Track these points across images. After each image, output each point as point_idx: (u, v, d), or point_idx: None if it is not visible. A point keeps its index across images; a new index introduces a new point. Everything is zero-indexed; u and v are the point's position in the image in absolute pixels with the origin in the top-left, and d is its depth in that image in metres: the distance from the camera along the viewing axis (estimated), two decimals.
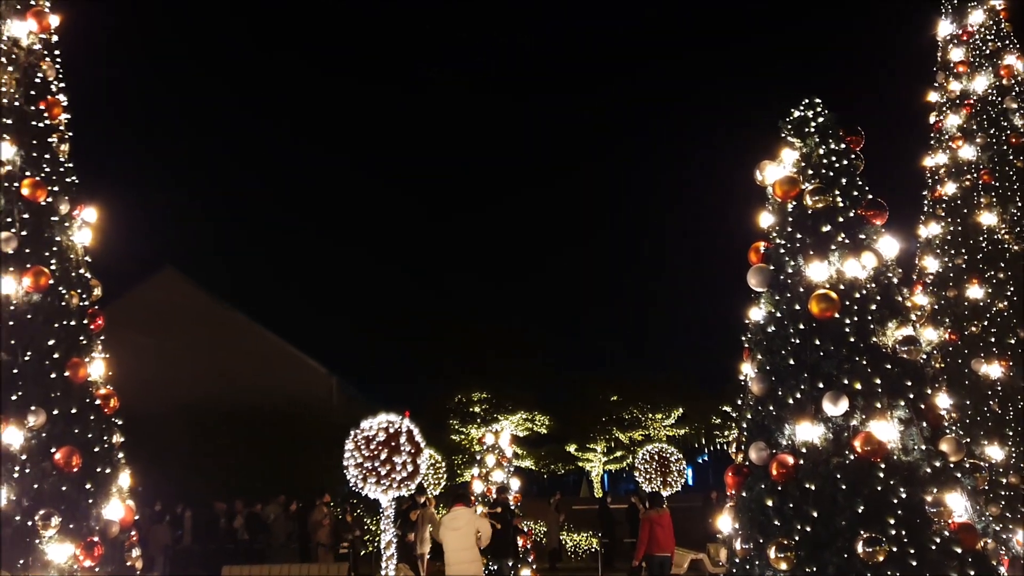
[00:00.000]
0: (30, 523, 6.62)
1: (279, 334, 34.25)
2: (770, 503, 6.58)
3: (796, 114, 7.83)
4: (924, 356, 6.96)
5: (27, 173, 7.60)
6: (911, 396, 6.63)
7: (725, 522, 7.25)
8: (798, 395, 6.79)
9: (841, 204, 7.33)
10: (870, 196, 7.43)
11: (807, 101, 7.83)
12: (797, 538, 6.29)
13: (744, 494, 6.97)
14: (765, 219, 7.82)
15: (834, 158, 7.54)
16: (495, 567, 14.22)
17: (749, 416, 7.26)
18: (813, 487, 6.39)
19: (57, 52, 8.37)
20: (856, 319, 6.86)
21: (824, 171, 7.49)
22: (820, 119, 7.72)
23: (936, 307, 11.83)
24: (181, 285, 33.61)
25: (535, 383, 43.75)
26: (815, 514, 6.28)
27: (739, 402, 7.69)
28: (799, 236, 7.33)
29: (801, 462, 6.55)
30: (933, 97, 13.09)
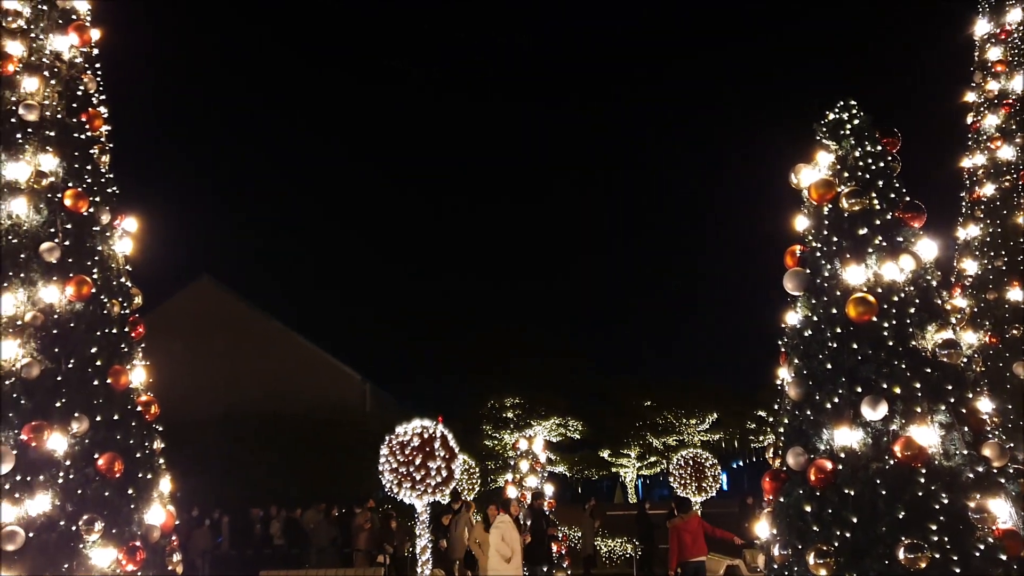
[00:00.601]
0: (74, 528, 6.73)
1: (313, 340, 34.54)
2: (808, 509, 6.53)
3: (831, 116, 7.76)
4: (964, 360, 6.86)
5: (69, 184, 7.75)
6: (952, 400, 6.54)
7: (763, 528, 7.20)
8: (836, 400, 6.73)
9: (878, 206, 7.27)
10: (907, 198, 7.35)
11: (842, 103, 7.77)
12: (837, 544, 6.23)
13: (782, 499, 6.91)
14: (801, 222, 7.77)
15: (870, 160, 7.47)
16: (529, 573, 14.21)
17: (786, 421, 7.20)
18: (852, 492, 6.33)
19: (98, 65, 8.54)
20: (894, 323, 6.79)
21: (860, 173, 7.42)
22: (856, 121, 7.66)
23: (976, 310, 11.65)
24: (218, 293, 34.04)
25: (568, 388, 43.69)
26: (855, 520, 6.22)
27: (776, 407, 7.64)
28: (835, 239, 7.27)
29: (840, 467, 6.49)
30: (970, 97, 12.90)
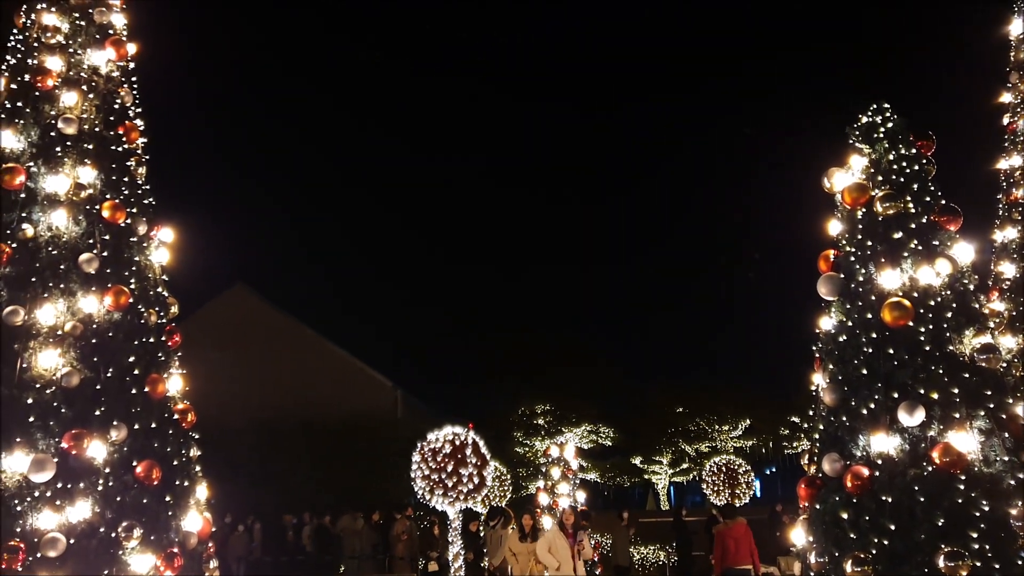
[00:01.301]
0: (113, 534, 6.83)
1: (344, 348, 34.74)
2: (845, 516, 6.46)
3: (864, 120, 7.70)
4: (1003, 364, 6.75)
5: (107, 196, 7.88)
6: (991, 406, 6.44)
7: (799, 535, 7.14)
8: (872, 405, 6.66)
9: (913, 210, 7.19)
10: (943, 201, 7.27)
11: (875, 106, 7.70)
12: (874, 552, 6.15)
13: (818, 506, 6.85)
14: (834, 227, 7.71)
15: (905, 163, 7.39)
16: None
17: (822, 427, 7.14)
18: (890, 499, 6.25)
19: (134, 78, 8.69)
20: (931, 327, 6.71)
21: (895, 177, 7.35)
22: (889, 124, 7.59)
23: (1014, 313, 11.47)
24: (251, 301, 34.35)
25: (599, 394, 43.53)
26: (893, 527, 6.14)
27: (810, 413, 7.57)
28: (870, 243, 7.20)
29: (877, 474, 6.42)
30: (1006, 98, 12.71)
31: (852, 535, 6.36)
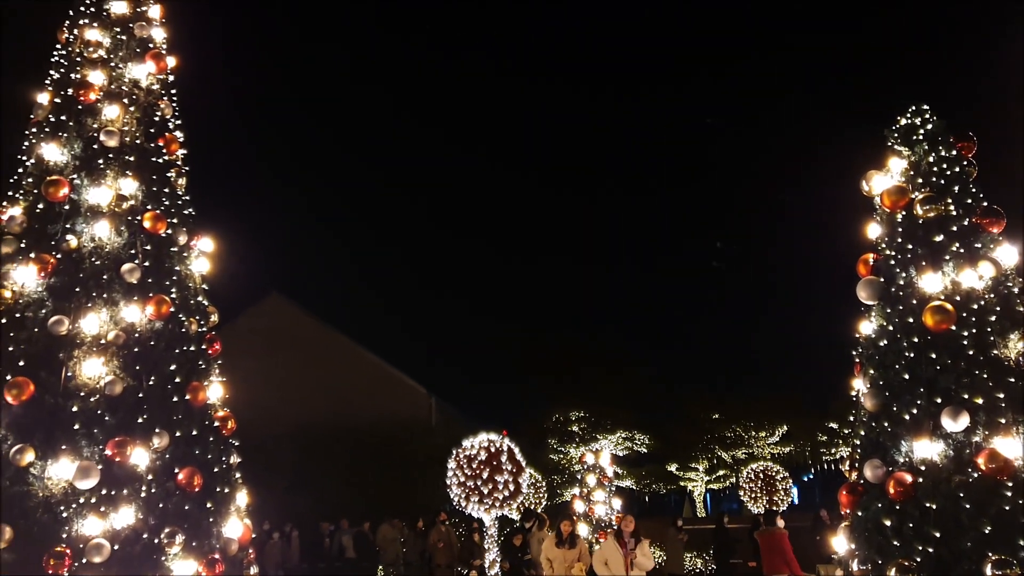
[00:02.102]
0: (156, 541, 6.91)
1: (379, 354, 34.92)
2: (888, 523, 6.37)
3: (903, 121, 7.62)
4: None
5: (148, 207, 8.01)
6: None
7: (840, 542, 7.05)
8: (914, 411, 6.57)
9: (954, 212, 7.09)
10: (985, 203, 7.16)
11: (914, 108, 7.62)
12: (919, 559, 6.06)
13: (860, 513, 6.76)
14: (873, 230, 7.62)
15: (945, 165, 7.30)
16: None
17: (863, 433, 7.05)
18: (934, 506, 6.16)
19: (174, 91, 8.83)
20: (974, 331, 6.60)
21: (935, 179, 7.26)
22: (929, 126, 7.50)
23: None
24: (288, 310, 34.69)
25: (634, 401, 43.30)
26: (937, 535, 6.05)
27: (851, 418, 7.49)
28: (910, 247, 7.12)
29: (920, 480, 6.33)
30: None
31: (895, 542, 6.28)
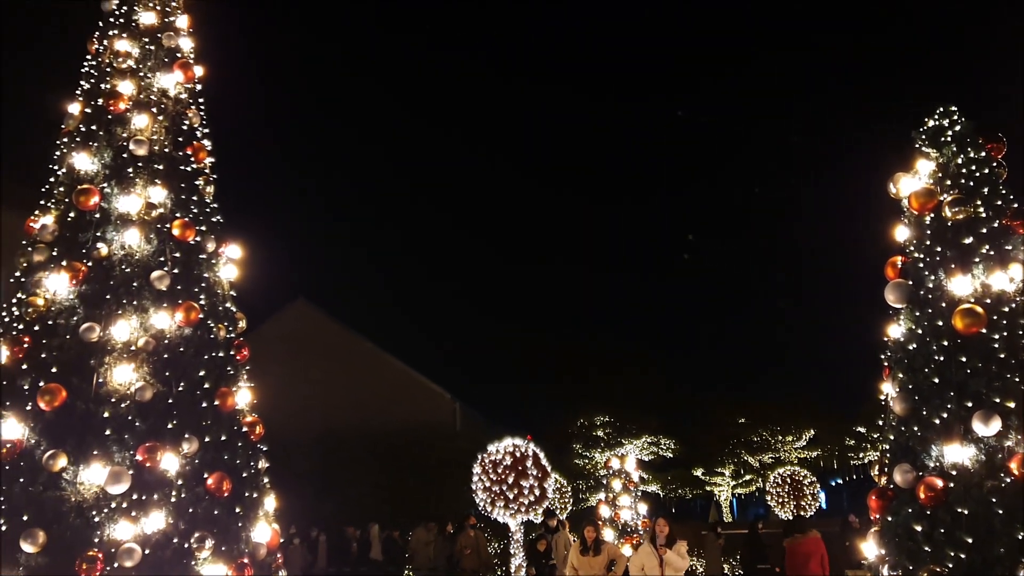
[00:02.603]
0: (186, 545, 6.99)
1: (403, 359, 35.06)
2: (919, 528, 6.31)
3: (931, 123, 7.55)
4: None
5: (177, 215, 8.11)
6: None
7: (870, 548, 6.99)
8: (944, 415, 6.50)
9: (984, 215, 7.02)
10: (1015, 205, 7.08)
11: (942, 109, 7.55)
12: (951, 566, 6.00)
13: (889, 518, 6.70)
14: (901, 232, 7.56)
15: (974, 167, 7.23)
16: None
17: (892, 437, 6.99)
18: (966, 512, 6.09)
19: (201, 100, 8.93)
20: (1005, 334, 6.53)
21: (964, 181, 7.19)
22: (957, 127, 7.43)
23: None
24: (313, 316, 34.94)
25: (659, 405, 43.16)
26: (970, 540, 5.98)
27: (880, 423, 7.43)
28: (939, 249, 7.05)
29: (951, 485, 6.26)
30: None
31: (926, 548, 6.21)
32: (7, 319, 7.55)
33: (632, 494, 18.96)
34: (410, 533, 21.57)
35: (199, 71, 8.98)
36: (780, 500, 22.30)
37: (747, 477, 44.70)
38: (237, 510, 7.53)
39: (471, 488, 15.95)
